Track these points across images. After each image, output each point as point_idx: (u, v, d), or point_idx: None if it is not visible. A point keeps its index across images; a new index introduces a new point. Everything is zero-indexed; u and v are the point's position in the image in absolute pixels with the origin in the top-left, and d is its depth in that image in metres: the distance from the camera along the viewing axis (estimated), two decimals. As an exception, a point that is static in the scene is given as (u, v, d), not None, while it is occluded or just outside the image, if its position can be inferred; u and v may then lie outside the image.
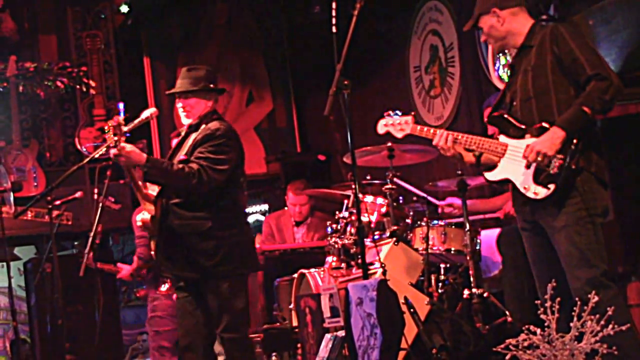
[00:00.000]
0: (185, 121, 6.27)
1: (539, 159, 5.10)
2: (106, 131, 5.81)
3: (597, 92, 5.02)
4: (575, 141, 5.04)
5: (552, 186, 5.09)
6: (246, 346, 6.15)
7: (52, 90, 10.82)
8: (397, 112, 5.96)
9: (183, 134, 6.33)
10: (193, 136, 6.15)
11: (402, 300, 5.85)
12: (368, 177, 7.77)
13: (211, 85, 6.28)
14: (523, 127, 5.25)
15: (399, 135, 5.91)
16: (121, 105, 10.90)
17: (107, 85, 11.10)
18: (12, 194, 9.67)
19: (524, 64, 5.33)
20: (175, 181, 5.91)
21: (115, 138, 5.73)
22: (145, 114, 6.12)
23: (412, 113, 6.00)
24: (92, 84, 10.91)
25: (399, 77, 10.25)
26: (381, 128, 6.02)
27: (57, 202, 8.06)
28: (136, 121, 6.04)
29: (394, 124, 5.92)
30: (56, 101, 11.05)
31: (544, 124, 5.13)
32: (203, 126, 6.15)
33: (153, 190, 6.15)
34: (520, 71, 5.35)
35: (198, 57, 11.68)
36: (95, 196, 6.97)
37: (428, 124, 9.62)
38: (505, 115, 5.36)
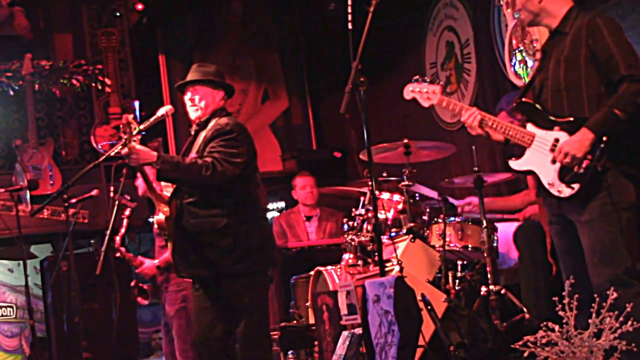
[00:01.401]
0: (194, 115, 6.18)
1: (567, 160, 5.03)
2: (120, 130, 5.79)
3: (629, 96, 4.94)
4: (604, 139, 4.95)
5: (576, 186, 5.04)
6: (265, 346, 6.11)
7: (67, 88, 10.85)
8: (426, 78, 5.84)
9: (192, 132, 6.26)
10: (203, 134, 6.10)
11: (419, 298, 5.84)
12: (384, 174, 7.76)
13: (221, 81, 6.24)
14: (552, 118, 5.16)
15: (425, 104, 5.78)
16: (136, 104, 10.93)
17: (122, 83, 11.11)
18: (28, 192, 9.70)
19: (556, 52, 5.23)
20: (188, 175, 5.82)
21: (126, 136, 5.70)
22: (161, 111, 6.10)
23: (441, 83, 5.92)
24: (108, 82, 10.93)
25: (415, 73, 10.19)
26: (407, 93, 5.86)
27: (73, 200, 8.07)
28: (152, 119, 6.03)
29: (421, 91, 5.78)
30: (72, 99, 11.07)
31: (573, 119, 5.06)
32: (212, 122, 6.10)
33: (167, 191, 6.13)
34: (553, 59, 5.24)
35: (213, 55, 11.70)
36: (111, 194, 6.99)
37: (444, 120, 9.64)
38: (535, 104, 5.26)
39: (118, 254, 7.79)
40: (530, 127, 5.26)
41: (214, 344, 6.07)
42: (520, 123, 5.40)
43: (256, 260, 6.00)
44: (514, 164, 5.37)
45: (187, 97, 6.22)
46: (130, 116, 5.81)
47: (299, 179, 9.59)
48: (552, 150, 5.14)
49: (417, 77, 5.85)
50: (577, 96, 5.11)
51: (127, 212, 7.62)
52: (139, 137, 5.78)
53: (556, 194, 5.13)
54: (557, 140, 5.12)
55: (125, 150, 5.70)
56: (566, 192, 5.08)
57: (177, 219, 6.02)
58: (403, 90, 5.90)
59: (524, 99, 5.33)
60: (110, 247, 7.10)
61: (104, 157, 6.14)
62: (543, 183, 5.20)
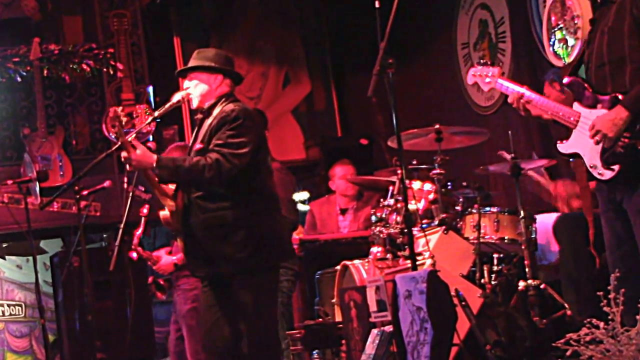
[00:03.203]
0: (194, 103, 6.12)
1: (597, 138, 4.93)
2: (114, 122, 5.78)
3: None
4: None
5: (616, 167, 4.93)
6: (274, 345, 6.07)
7: (77, 73, 10.84)
8: (487, 61, 5.86)
9: (198, 121, 6.21)
10: (208, 122, 6.05)
11: (453, 293, 5.81)
12: (414, 162, 7.73)
13: (216, 65, 6.13)
14: (595, 95, 5.06)
15: (485, 88, 5.83)
16: (150, 89, 10.95)
17: (135, 67, 11.10)
18: (37, 184, 9.73)
19: (602, 23, 5.12)
20: (190, 178, 5.85)
21: (116, 130, 5.69)
22: (176, 97, 6.10)
23: (500, 65, 5.89)
24: (120, 66, 10.92)
25: (446, 54, 10.19)
26: (470, 78, 5.91)
27: (85, 192, 8.08)
28: (166, 105, 6.03)
29: (481, 74, 5.80)
30: (82, 85, 11.07)
31: (618, 95, 4.93)
32: (217, 109, 6.05)
33: (172, 184, 6.10)
34: (599, 30, 5.13)
35: (231, 37, 11.69)
36: (125, 185, 6.98)
37: (478, 104, 9.60)
38: (581, 80, 5.16)
39: (135, 255, 7.79)
40: (576, 106, 5.17)
41: (221, 345, 6.05)
42: (557, 96, 5.33)
43: (271, 253, 5.99)
44: (561, 146, 5.29)
45: (184, 85, 6.17)
46: (119, 109, 5.80)
47: (339, 168, 9.46)
48: None
49: (480, 60, 5.93)
50: (619, 71, 5.00)
51: (145, 210, 7.61)
52: (133, 135, 5.78)
53: (597, 176, 5.04)
54: None
55: (125, 154, 5.73)
56: (607, 174, 4.99)
57: (186, 214, 6.00)
58: (466, 75, 5.96)
59: (573, 76, 5.23)
60: (125, 243, 7.10)
61: (116, 146, 6.13)
62: (586, 165, 5.10)
